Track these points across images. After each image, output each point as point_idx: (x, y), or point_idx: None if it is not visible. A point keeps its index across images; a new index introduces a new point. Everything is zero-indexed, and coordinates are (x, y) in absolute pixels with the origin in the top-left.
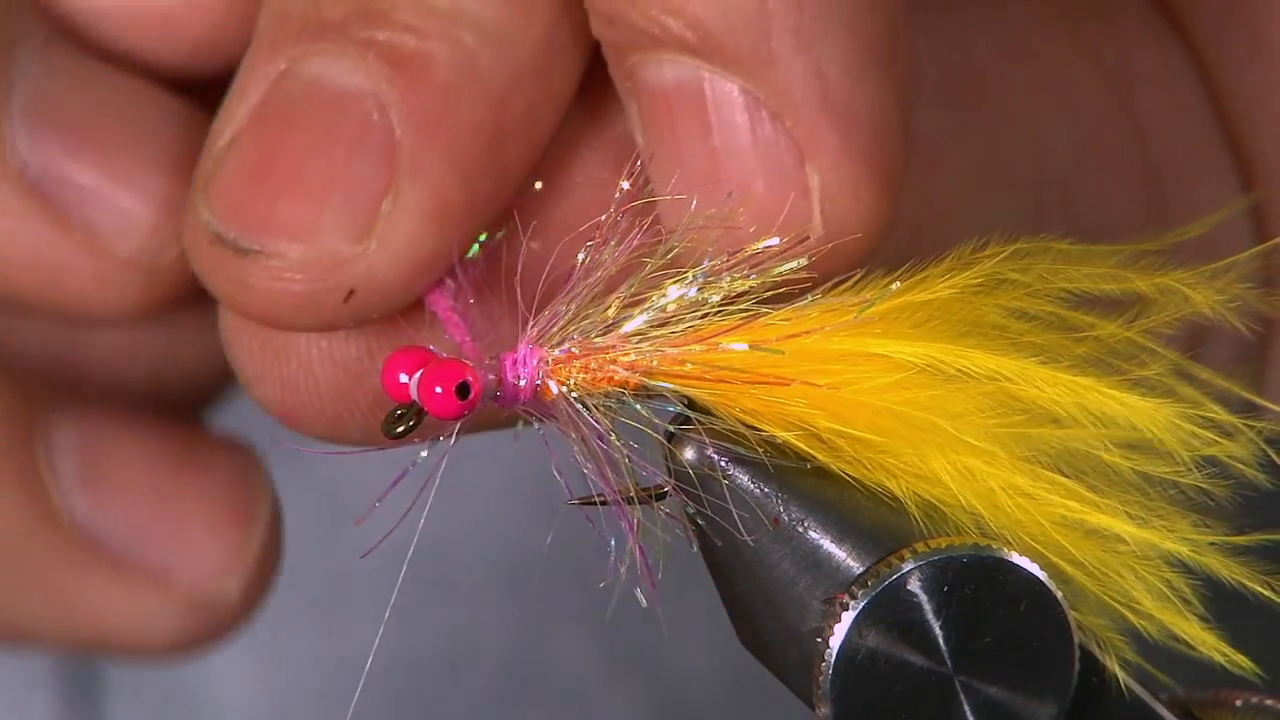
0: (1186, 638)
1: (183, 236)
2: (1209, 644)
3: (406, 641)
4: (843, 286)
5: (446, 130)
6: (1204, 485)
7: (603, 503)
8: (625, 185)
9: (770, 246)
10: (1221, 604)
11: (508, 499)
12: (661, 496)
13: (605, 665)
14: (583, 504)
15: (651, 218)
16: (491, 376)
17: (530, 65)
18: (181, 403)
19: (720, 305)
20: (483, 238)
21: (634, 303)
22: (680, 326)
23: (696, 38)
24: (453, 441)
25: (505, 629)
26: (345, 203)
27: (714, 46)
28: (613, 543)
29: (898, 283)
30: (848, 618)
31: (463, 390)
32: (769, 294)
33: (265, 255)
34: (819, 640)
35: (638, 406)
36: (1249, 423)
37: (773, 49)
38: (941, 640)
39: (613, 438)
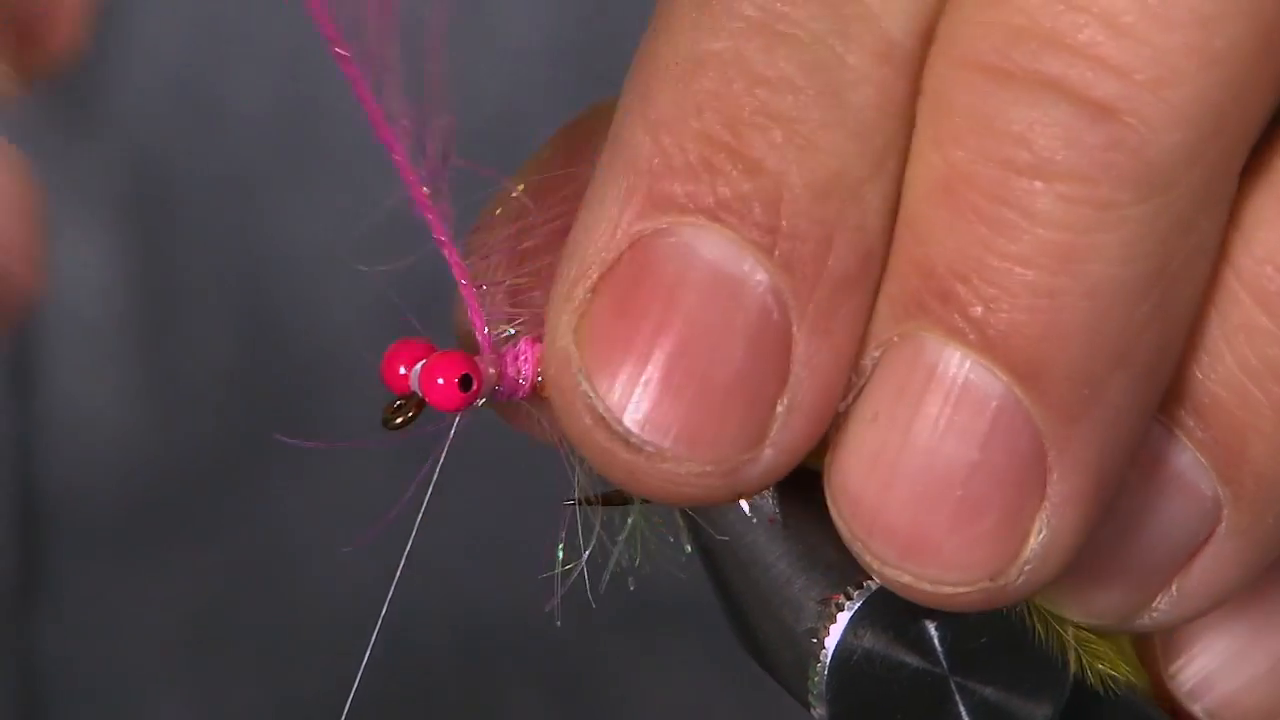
0: None
1: (546, 369)
2: None
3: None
4: None
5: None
6: None
7: (600, 502)
8: None
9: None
10: None
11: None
12: None
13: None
14: (579, 505)
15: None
16: (492, 370)
17: None
18: None
19: None
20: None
21: None
22: None
23: (1021, 362)
24: (451, 435)
25: (460, 684)
26: (746, 412)
27: (1034, 377)
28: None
29: None
30: (843, 618)
31: (465, 382)
32: None
33: (660, 457)
34: (814, 640)
35: None
36: None
37: (1090, 413)
38: (937, 641)
39: None
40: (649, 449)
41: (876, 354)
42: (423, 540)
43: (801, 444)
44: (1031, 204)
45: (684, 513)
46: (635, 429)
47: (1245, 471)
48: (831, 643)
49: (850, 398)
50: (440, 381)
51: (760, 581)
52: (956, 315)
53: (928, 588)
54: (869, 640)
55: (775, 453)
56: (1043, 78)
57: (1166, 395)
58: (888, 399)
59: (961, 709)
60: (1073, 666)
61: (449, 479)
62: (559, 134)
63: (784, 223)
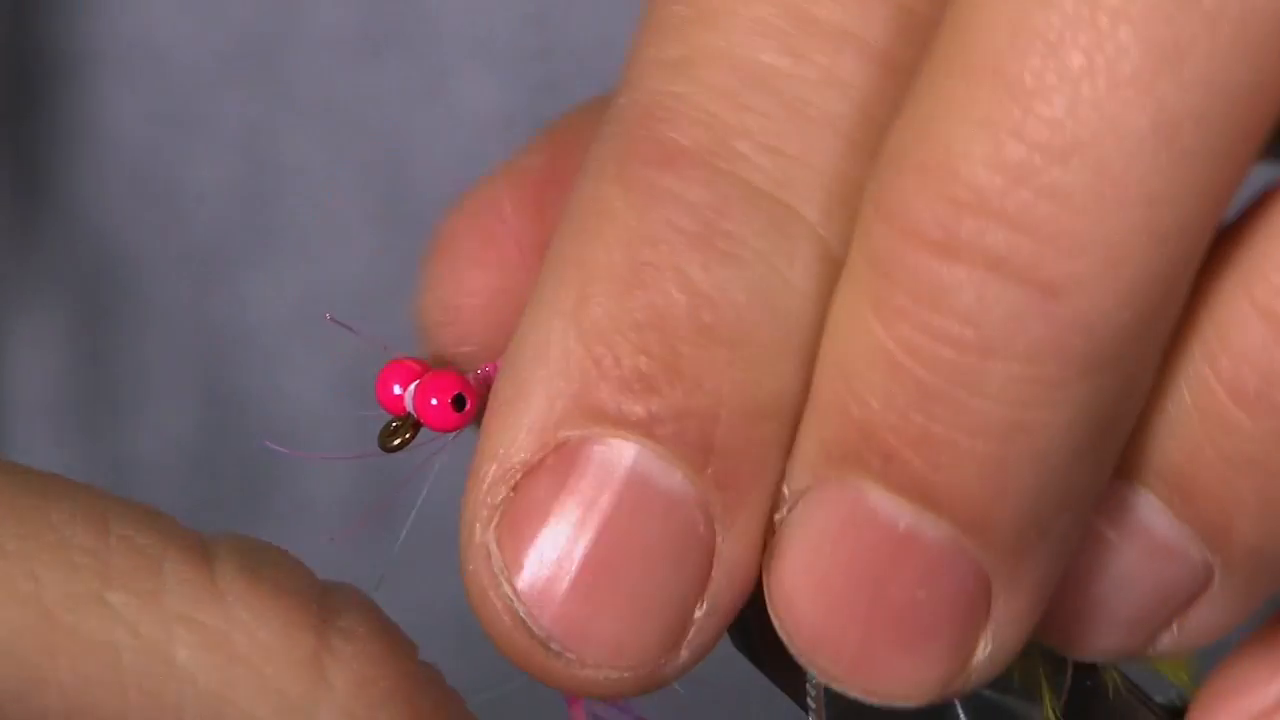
0: None
1: (464, 564)
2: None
3: None
4: None
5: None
6: None
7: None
8: None
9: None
10: None
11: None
12: None
13: None
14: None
15: None
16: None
17: None
18: None
19: None
20: None
21: None
22: None
23: (966, 517)
24: (447, 457)
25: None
26: (666, 622)
27: (980, 529)
28: None
29: None
30: None
31: (459, 402)
32: None
33: (578, 664)
34: None
35: None
36: None
37: (1035, 550)
38: None
39: None
40: (568, 656)
41: (808, 481)
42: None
43: (715, 641)
44: (978, 381)
45: None
46: (556, 638)
47: (1234, 545)
48: None
49: (785, 509)
50: (434, 402)
51: (757, 584)
52: (900, 473)
53: (877, 700)
54: None
55: (690, 654)
56: (989, 256)
57: (1152, 472)
58: (829, 534)
59: (959, 709)
60: (1071, 667)
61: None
62: (542, 135)
63: (719, 442)
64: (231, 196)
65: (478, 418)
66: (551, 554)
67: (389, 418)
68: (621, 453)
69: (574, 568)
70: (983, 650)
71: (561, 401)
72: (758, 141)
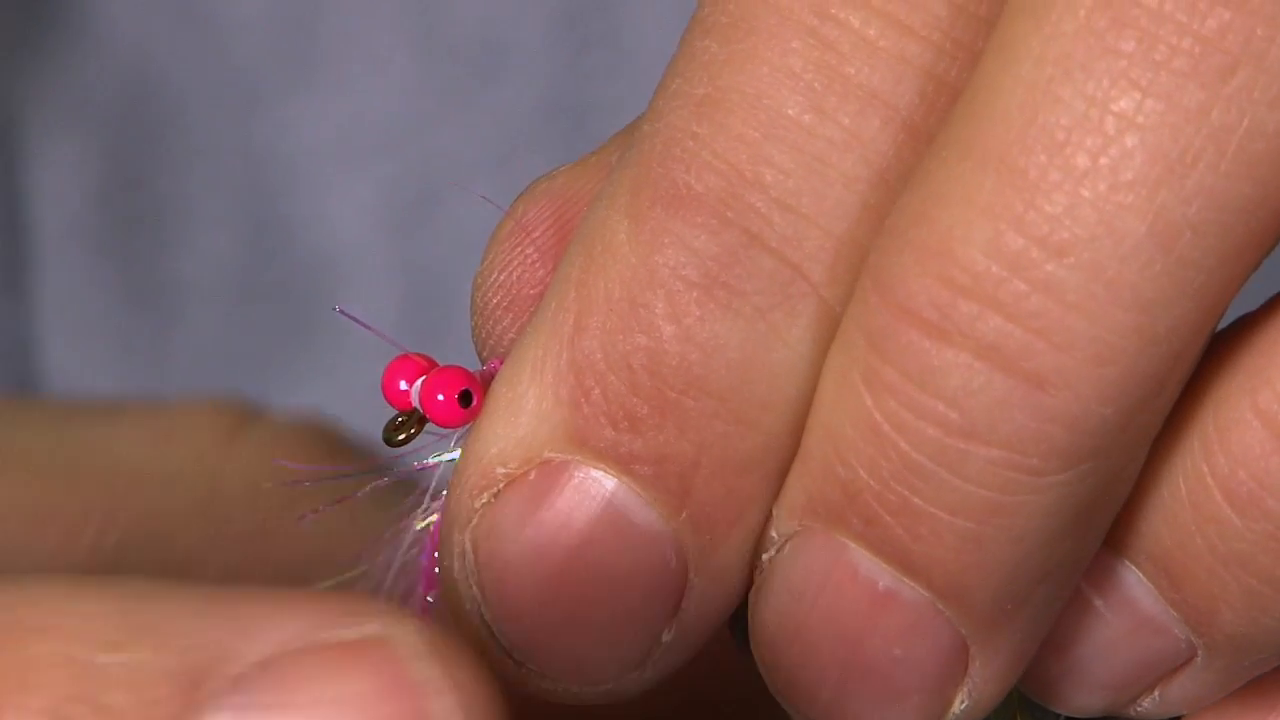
0: None
1: (442, 559)
2: None
3: None
4: None
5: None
6: None
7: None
8: None
9: None
10: None
11: None
12: None
13: None
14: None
15: None
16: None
17: None
18: None
19: None
20: None
21: None
22: None
23: (944, 586)
24: (455, 454)
25: None
26: (631, 646)
27: (958, 598)
28: None
29: None
30: None
31: (465, 398)
32: None
33: (541, 677)
34: None
35: None
36: None
37: (1014, 620)
38: None
39: None
40: (532, 669)
41: (794, 527)
42: None
43: (681, 662)
44: (960, 464)
45: None
46: (518, 649)
47: (1217, 632)
48: None
49: (773, 550)
50: (440, 398)
51: None
52: (880, 537)
53: None
54: None
55: (655, 673)
56: (980, 343)
57: (1142, 552)
58: (810, 583)
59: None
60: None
61: None
62: (535, 189)
63: (697, 489)
64: (271, 23)
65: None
66: (522, 568)
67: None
68: (601, 483)
69: (542, 587)
70: (959, 705)
71: (549, 424)
72: (772, 196)
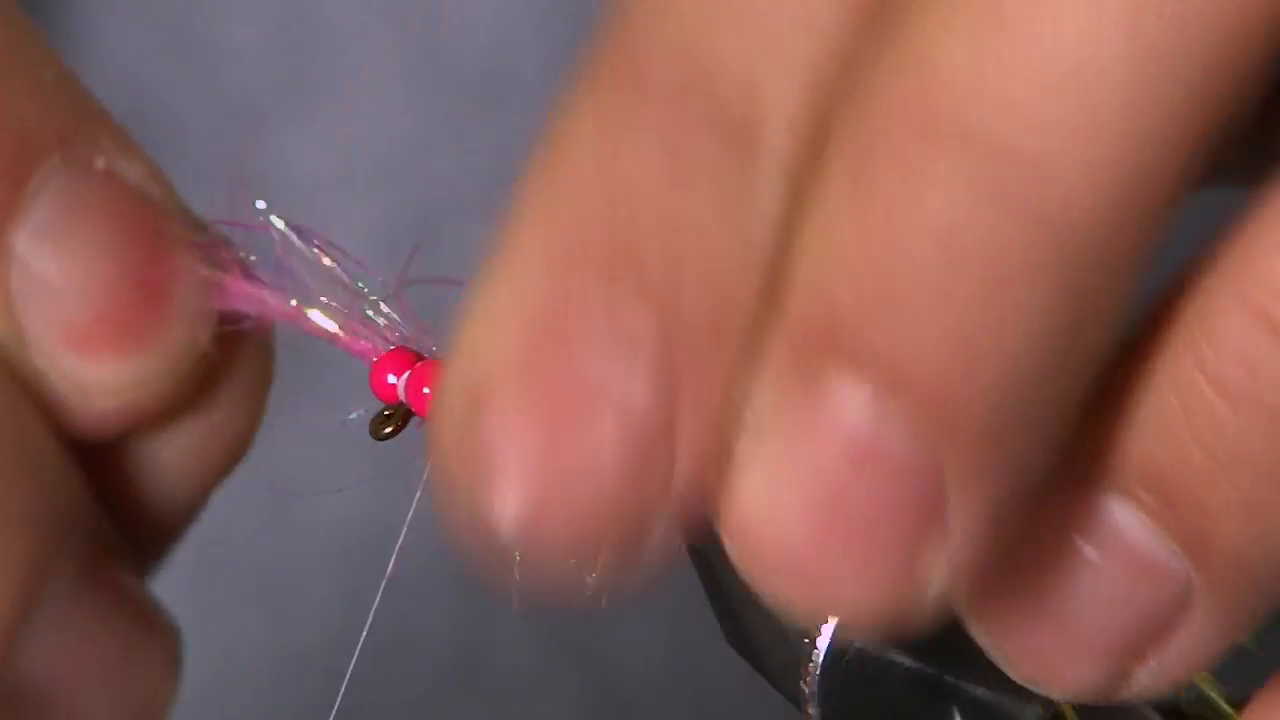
0: None
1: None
2: None
3: (348, 627)
4: None
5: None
6: None
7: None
8: None
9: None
10: None
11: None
12: None
13: (548, 652)
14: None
15: None
16: None
17: None
18: None
19: None
20: None
21: None
22: None
23: (931, 400)
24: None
25: (448, 616)
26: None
27: (943, 414)
28: None
29: None
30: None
31: None
32: None
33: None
34: (806, 641)
35: None
36: None
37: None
38: (929, 641)
39: None
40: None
41: (774, 392)
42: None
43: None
44: (949, 256)
45: None
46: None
47: (1215, 555)
48: (823, 643)
49: (743, 436)
50: (426, 391)
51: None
52: (863, 353)
53: (826, 618)
54: (861, 641)
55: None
56: (963, 135)
57: (1132, 476)
58: (786, 440)
59: (954, 709)
60: None
61: None
62: None
63: (684, 363)
64: (270, 50)
65: None
66: (515, 467)
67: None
68: (585, 368)
69: (530, 477)
70: (936, 574)
71: (527, 329)
72: (729, 70)
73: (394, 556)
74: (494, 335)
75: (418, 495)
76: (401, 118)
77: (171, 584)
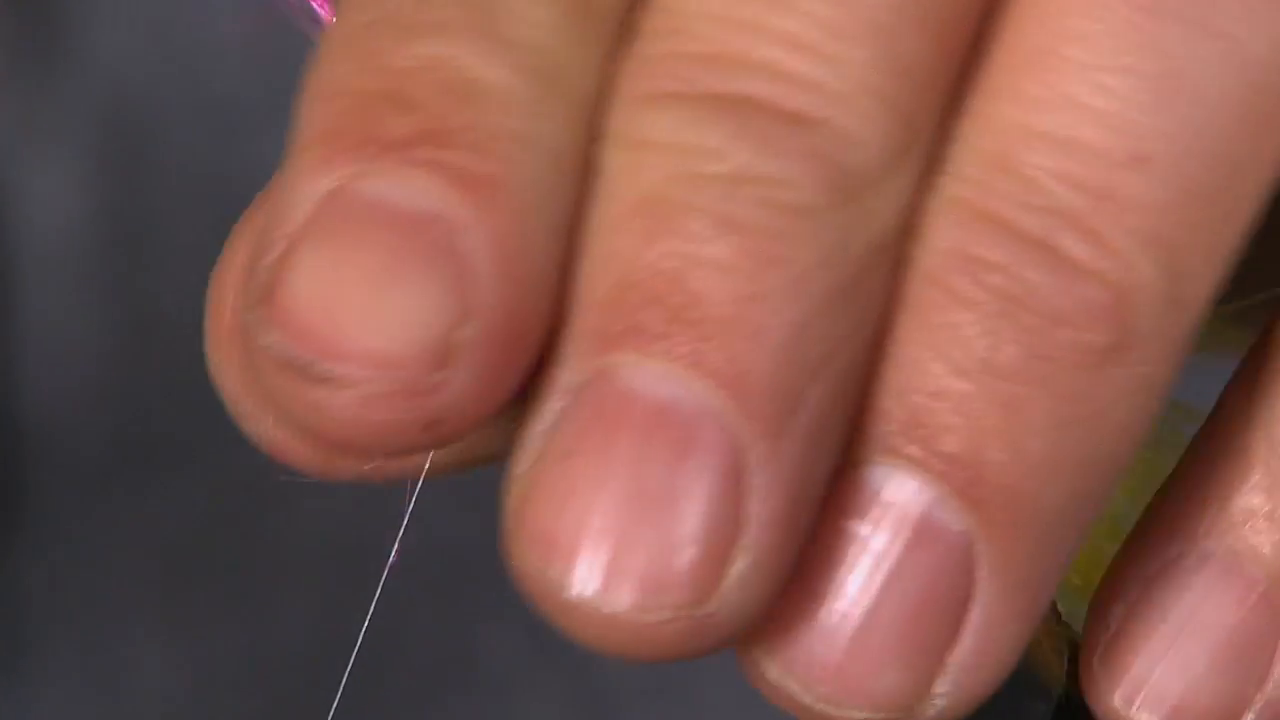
0: None
1: (225, 355)
2: None
3: (331, 631)
4: None
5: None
6: None
7: None
8: None
9: None
10: None
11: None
12: None
13: (534, 654)
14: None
15: None
16: None
17: None
18: None
19: None
20: None
21: None
22: None
23: (723, 369)
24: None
25: (432, 619)
26: (420, 326)
27: (736, 384)
28: None
29: None
30: None
31: None
32: None
33: (339, 383)
34: None
35: None
36: None
37: (790, 428)
38: None
39: None
40: (329, 375)
41: (559, 405)
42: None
43: (492, 372)
44: (731, 209)
45: None
46: (311, 356)
47: (988, 489)
48: None
49: (528, 462)
50: None
51: None
52: (652, 331)
53: (630, 617)
54: None
55: (465, 373)
56: (734, 95)
57: (891, 434)
58: (580, 436)
59: None
60: (1066, 665)
61: None
62: None
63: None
64: (251, 52)
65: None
66: (316, 299)
67: None
68: (379, 192)
69: (325, 306)
70: (736, 564)
71: (321, 143)
72: None
73: (393, 555)
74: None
75: (413, 500)
76: None
77: (151, 578)
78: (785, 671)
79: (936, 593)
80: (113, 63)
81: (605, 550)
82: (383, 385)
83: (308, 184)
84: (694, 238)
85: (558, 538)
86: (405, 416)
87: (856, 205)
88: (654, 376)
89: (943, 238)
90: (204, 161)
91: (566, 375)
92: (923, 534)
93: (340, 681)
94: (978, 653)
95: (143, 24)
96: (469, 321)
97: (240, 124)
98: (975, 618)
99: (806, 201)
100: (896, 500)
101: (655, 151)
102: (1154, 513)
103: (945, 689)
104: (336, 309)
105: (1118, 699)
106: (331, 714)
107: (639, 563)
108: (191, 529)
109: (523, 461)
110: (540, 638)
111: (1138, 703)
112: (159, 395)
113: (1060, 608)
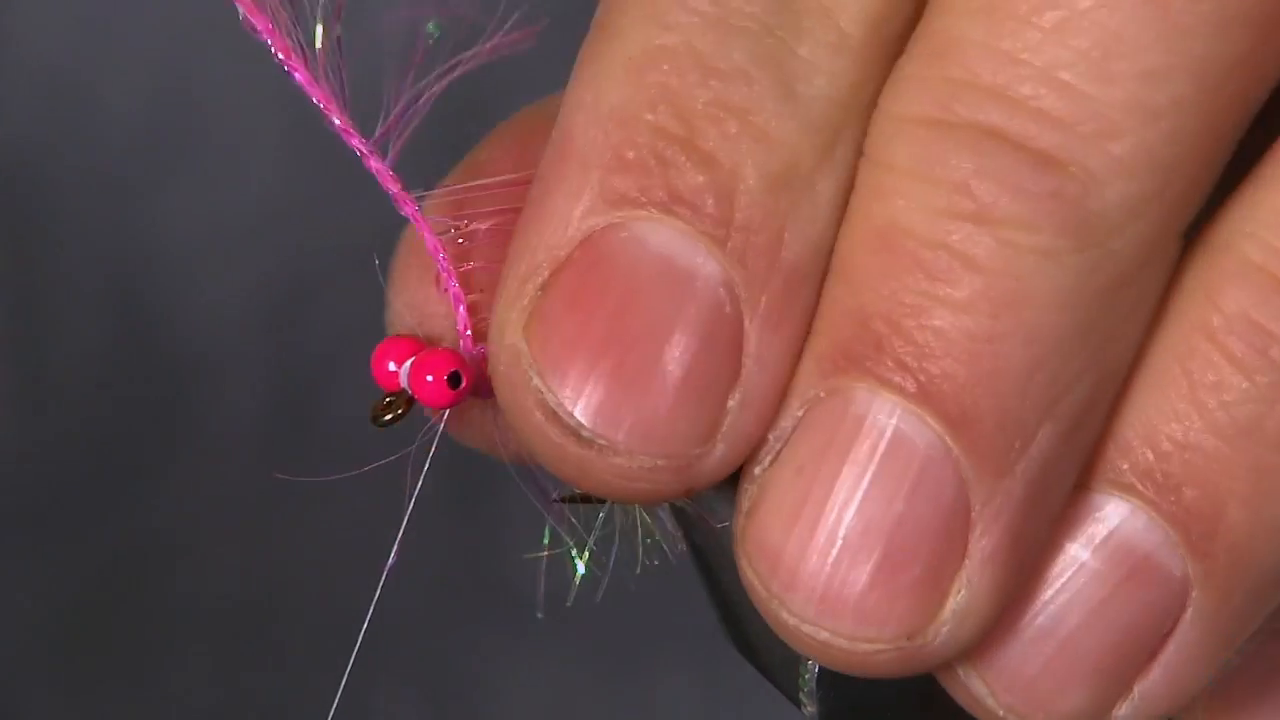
0: None
1: (495, 366)
2: None
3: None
4: None
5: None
6: None
7: (591, 500)
8: None
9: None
10: None
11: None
12: None
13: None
14: (567, 502)
15: None
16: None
17: None
18: None
19: None
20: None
21: None
22: None
23: (954, 409)
24: (440, 428)
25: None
26: (699, 407)
27: (966, 424)
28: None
29: None
30: None
31: (454, 379)
32: None
33: (611, 451)
34: None
35: None
36: None
37: (1017, 467)
38: None
39: None
40: (600, 443)
41: (799, 413)
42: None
43: (752, 438)
44: (972, 250)
45: (675, 510)
46: (587, 423)
47: (1218, 543)
48: None
49: (767, 460)
50: (429, 379)
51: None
52: (890, 363)
53: (844, 645)
54: None
55: (727, 448)
56: (984, 127)
57: (1131, 470)
58: (813, 453)
59: (951, 706)
60: None
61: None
62: (497, 132)
63: (737, 215)
64: (146, 113)
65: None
66: (579, 343)
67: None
68: (645, 235)
69: (602, 351)
70: (955, 596)
71: (585, 193)
72: None
73: (393, 554)
74: (552, 217)
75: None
76: (276, 180)
77: (45, 641)
78: (978, 674)
79: (1141, 626)
80: (5, 120)
81: (824, 581)
82: (651, 461)
83: (580, 212)
84: (935, 275)
85: (782, 557)
86: (665, 488)
87: (1097, 249)
88: (887, 407)
89: (1229, 298)
90: (101, 226)
91: (803, 385)
92: (1141, 570)
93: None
94: (1165, 685)
95: (40, 85)
96: (736, 392)
97: (137, 188)
98: (1171, 654)
99: (1047, 244)
100: (1123, 533)
101: (902, 177)
102: None
103: (1125, 713)
104: (609, 373)
105: None
106: (333, 710)
107: (854, 594)
108: (85, 593)
109: (759, 463)
110: (438, 700)
111: None
112: (54, 461)
113: None
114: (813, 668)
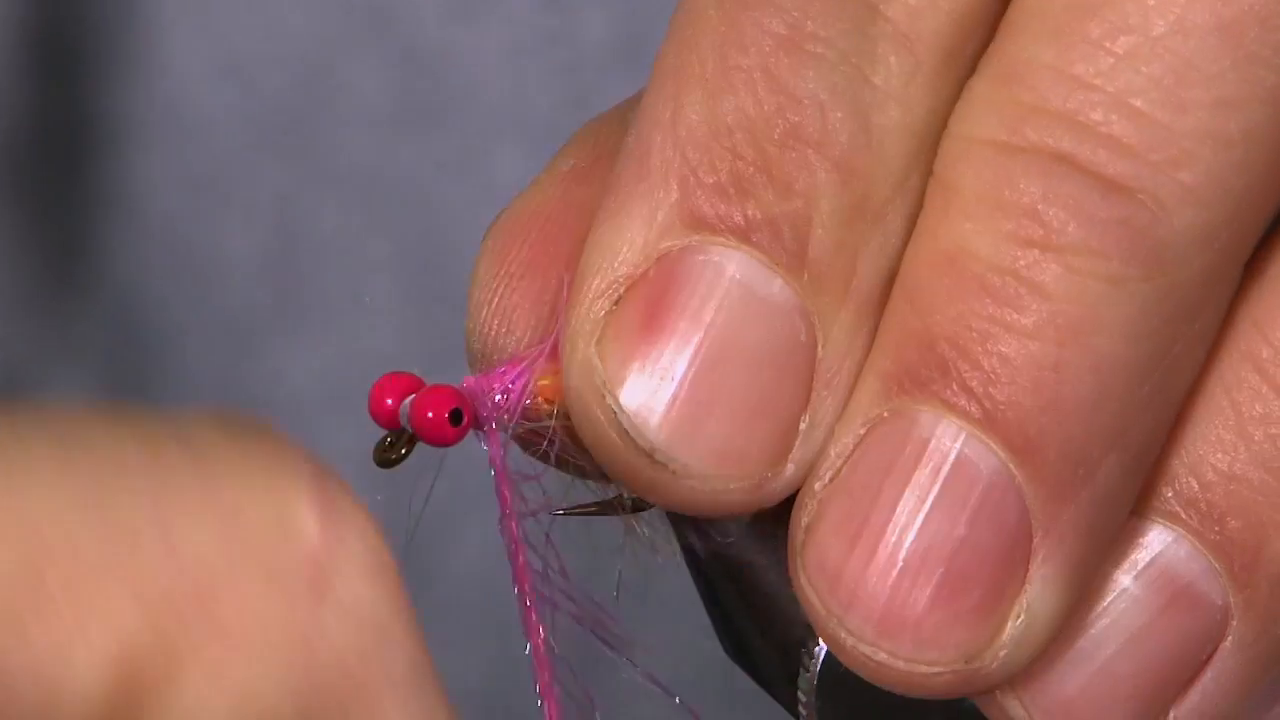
0: None
1: (568, 380)
2: None
3: None
4: None
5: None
6: None
7: (593, 513)
8: None
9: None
10: None
11: None
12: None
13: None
14: (569, 514)
15: None
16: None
17: None
18: None
19: None
20: None
21: None
22: None
23: (1018, 436)
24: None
25: None
26: (771, 430)
27: (1030, 451)
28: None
29: None
30: None
31: (456, 417)
32: None
33: (684, 474)
34: (803, 650)
35: None
36: None
37: (1080, 494)
38: None
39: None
40: (674, 465)
41: (861, 430)
42: None
43: (816, 457)
44: (1039, 276)
45: (672, 519)
46: (661, 445)
47: (1260, 574)
48: (821, 652)
49: (828, 476)
50: (430, 415)
51: (749, 591)
52: (955, 387)
53: (901, 666)
54: None
55: (797, 469)
56: (1054, 152)
57: (1176, 499)
58: (875, 473)
59: (948, 717)
60: None
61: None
62: (576, 139)
63: (813, 246)
64: (263, 266)
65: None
66: (655, 363)
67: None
68: (722, 260)
69: (678, 376)
70: (1014, 620)
71: (662, 212)
72: None
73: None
74: (628, 232)
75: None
76: (395, 333)
77: None
78: (1015, 696)
79: (1180, 653)
80: (126, 278)
81: (884, 602)
82: (725, 485)
83: (658, 231)
84: (1002, 301)
85: (841, 576)
86: (735, 508)
87: (1164, 279)
88: (951, 431)
89: (1270, 327)
90: (216, 377)
91: (866, 402)
92: (1182, 598)
93: None
94: (1200, 712)
95: (156, 238)
96: (806, 415)
97: (254, 339)
98: (1209, 681)
99: (1115, 273)
100: (1165, 560)
101: (970, 200)
102: None
103: None
104: (684, 398)
105: None
106: None
107: (914, 616)
108: None
109: (819, 478)
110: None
111: None
112: None
113: None
114: (811, 680)
